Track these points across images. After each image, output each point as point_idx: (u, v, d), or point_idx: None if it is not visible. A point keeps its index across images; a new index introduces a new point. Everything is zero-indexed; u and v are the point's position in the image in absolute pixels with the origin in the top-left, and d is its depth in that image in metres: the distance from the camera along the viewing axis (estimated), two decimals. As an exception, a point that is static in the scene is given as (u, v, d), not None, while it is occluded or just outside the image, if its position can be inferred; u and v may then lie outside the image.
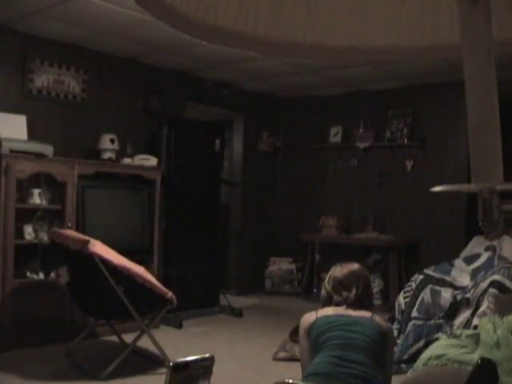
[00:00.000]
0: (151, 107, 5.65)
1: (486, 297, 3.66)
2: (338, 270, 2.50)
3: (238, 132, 7.01)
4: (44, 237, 4.32)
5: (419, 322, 4.05)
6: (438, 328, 3.91)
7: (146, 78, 5.66)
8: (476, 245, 4.89)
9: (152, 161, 5.20)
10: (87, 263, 3.55)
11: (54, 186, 4.47)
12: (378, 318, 2.37)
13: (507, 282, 3.74)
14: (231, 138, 7.20)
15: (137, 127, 5.56)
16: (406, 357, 3.86)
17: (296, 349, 3.80)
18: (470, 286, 4.05)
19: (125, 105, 5.49)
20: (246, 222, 6.95)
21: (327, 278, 2.52)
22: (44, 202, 4.41)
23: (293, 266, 7.05)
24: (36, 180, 4.33)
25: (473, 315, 3.68)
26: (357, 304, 2.39)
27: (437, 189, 0.97)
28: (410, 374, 3.04)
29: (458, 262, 4.47)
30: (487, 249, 4.62)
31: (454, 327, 3.76)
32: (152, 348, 3.91)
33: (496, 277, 3.80)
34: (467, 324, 3.69)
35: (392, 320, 4.31)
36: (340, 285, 2.45)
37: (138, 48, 5.14)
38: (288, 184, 7.29)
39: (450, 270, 4.36)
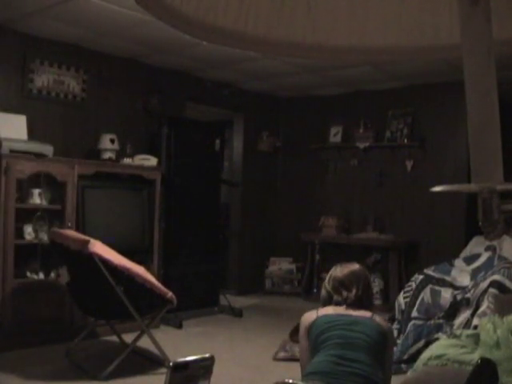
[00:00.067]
0: (151, 107, 5.65)
1: (486, 297, 3.66)
2: (339, 270, 2.50)
3: (238, 132, 7.01)
4: (44, 237, 4.32)
5: (419, 322, 4.05)
6: (438, 328, 3.91)
7: (146, 77, 5.66)
8: (476, 245, 4.89)
9: (152, 161, 5.20)
10: (87, 263, 3.55)
11: (53, 186, 4.47)
12: (378, 318, 2.38)
13: (507, 282, 3.74)
14: (231, 138, 7.19)
15: (137, 127, 5.56)
16: (406, 357, 3.86)
17: (296, 349, 3.79)
18: (469, 286, 4.05)
19: (125, 105, 5.49)
20: (246, 222, 6.95)
21: (327, 278, 2.53)
22: (44, 202, 4.41)
23: (293, 266, 7.05)
24: (36, 180, 4.33)
25: (473, 315, 3.68)
26: (357, 304, 2.40)
27: (437, 189, 0.97)
28: (409, 374, 3.04)
29: (458, 262, 4.47)
30: (487, 249, 4.62)
31: (454, 327, 3.76)
32: (152, 348, 3.91)
33: (496, 277, 3.80)
34: (467, 324, 3.69)
35: (392, 320, 4.31)
36: (340, 285, 2.45)
37: (138, 48, 5.14)
38: (288, 184, 7.29)
39: (450, 270, 4.36)
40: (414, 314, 4.14)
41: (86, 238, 3.61)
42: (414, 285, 4.32)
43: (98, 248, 3.52)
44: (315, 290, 6.51)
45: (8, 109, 4.47)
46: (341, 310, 2.39)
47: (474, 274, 4.20)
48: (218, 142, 5.90)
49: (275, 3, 1.18)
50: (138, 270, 3.73)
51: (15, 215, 4.13)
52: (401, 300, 4.34)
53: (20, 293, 4.13)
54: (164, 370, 3.73)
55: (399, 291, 4.68)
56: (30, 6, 4.09)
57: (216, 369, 0.98)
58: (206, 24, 1.15)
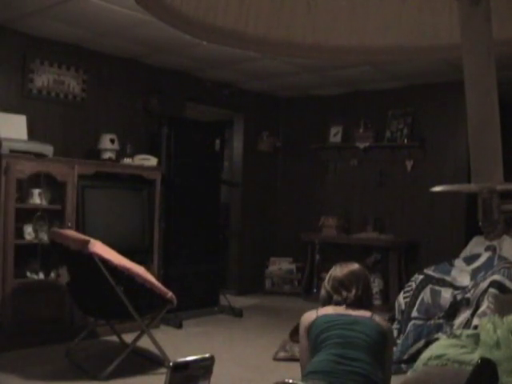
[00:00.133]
0: (151, 107, 5.65)
1: (486, 297, 3.66)
2: (338, 270, 2.50)
3: (238, 132, 7.01)
4: (44, 237, 4.32)
5: (419, 322, 4.05)
6: (438, 328, 3.91)
7: (146, 77, 5.66)
8: (476, 245, 4.89)
9: (152, 161, 5.20)
10: (87, 263, 3.55)
11: (54, 186, 4.47)
12: (377, 318, 2.38)
13: (507, 282, 3.74)
14: (231, 138, 7.19)
15: (137, 127, 5.56)
16: (405, 357, 3.86)
17: (296, 349, 3.79)
18: (470, 286, 4.05)
19: (125, 105, 5.48)
20: (246, 222, 6.95)
21: (327, 278, 2.53)
22: (44, 202, 4.41)
23: (293, 266, 7.05)
24: (36, 180, 4.33)
25: (473, 315, 3.68)
26: (356, 304, 2.40)
27: (437, 189, 0.97)
28: (409, 374, 3.04)
29: (458, 262, 4.47)
30: (487, 249, 4.62)
31: (454, 327, 3.76)
32: (152, 348, 3.91)
33: (496, 277, 3.80)
34: (467, 324, 3.69)
35: (392, 320, 4.30)
36: (340, 285, 2.45)
37: (138, 48, 5.14)
38: (288, 184, 7.29)
39: (450, 270, 4.35)
40: (414, 313, 4.14)
41: (86, 238, 3.61)
42: (414, 285, 4.32)
43: (98, 248, 3.52)
44: (315, 290, 6.51)
45: (8, 109, 4.47)
46: (340, 309, 2.39)
47: (473, 274, 4.20)
48: (217, 141, 5.90)
49: (275, 3, 1.18)
50: (138, 270, 3.73)
51: (15, 215, 4.13)
52: (401, 300, 4.34)
53: (20, 293, 4.13)
54: (164, 370, 3.73)
55: (399, 291, 4.68)
56: (29, 6, 4.09)
57: (216, 369, 0.98)
58: (206, 24, 1.15)
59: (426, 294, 4.19)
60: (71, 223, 4.43)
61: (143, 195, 5.06)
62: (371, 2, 1.21)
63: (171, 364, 0.91)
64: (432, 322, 4.00)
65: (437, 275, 4.31)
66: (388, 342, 2.37)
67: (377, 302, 5.89)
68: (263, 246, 7.12)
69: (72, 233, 3.98)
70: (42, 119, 4.80)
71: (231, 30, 1.18)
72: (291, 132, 7.28)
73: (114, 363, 3.59)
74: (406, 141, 6.26)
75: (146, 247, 4.99)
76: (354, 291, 2.42)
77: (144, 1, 1.07)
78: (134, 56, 5.41)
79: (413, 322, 4.09)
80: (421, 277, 4.34)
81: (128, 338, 4.12)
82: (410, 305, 4.21)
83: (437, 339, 3.42)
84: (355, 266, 2.53)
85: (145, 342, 3.94)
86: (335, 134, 6.84)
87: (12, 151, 4.12)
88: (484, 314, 3.51)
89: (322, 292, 2.53)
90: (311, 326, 2.37)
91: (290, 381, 2.17)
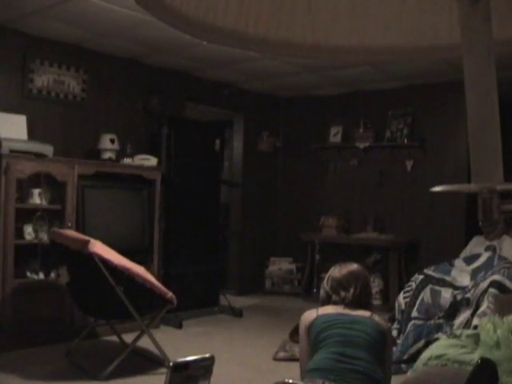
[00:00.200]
0: (151, 107, 5.65)
1: (486, 297, 3.66)
2: (337, 271, 2.51)
3: (238, 132, 7.01)
4: (44, 237, 4.32)
5: (419, 322, 4.05)
6: (438, 328, 3.91)
7: (146, 77, 5.66)
8: (476, 245, 4.89)
9: (152, 161, 5.20)
10: (87, 263, 3.55)
11: (54, 186, 4.47)
12: (377, 318, 2.39)
13: (507, 282, 3.74)
14: (231, 138, 7.19)
15: (137, 127, 5.56)
16: (405, 357, 3.86)
17: (296, 349, 3.80)
18: (470, 286, 4.05)
19: (125, 105, 5.48)
20: (246, 222, 6.95)
21: (326, 278, 2.53)
22: (44, 202, 4.41)
23: (293, 266, 7.05)
24: (36, 180, 4.33)
25: (473, 315, 3.68)
26: (355, 304, 2.41)
27: (437, 189, 0.97)
28: (409, 374, 3.04)
29: (458, 262, 4.47)
30: (487, 249, 4.62)
31: (454, 327, 3.76)
32: (152, 348, 3.91)
33: (496, 277, 3.80)
34: (467, 324, 3.69)
35: (392, 320, 4.31)
36: (338, 285, 2.46)
37: (138, 48, 5.14)
38: (288, 184, 7.29)
39: (450, 270, 4.36)
40: (414, 313, 4.14)
41: (86, 237, 3.61)
42: (414, 285, 4.32)
43: (98, 248, 3.52)
44: (315, 290, 6.51)
45: (8, 109, 4.47)
46: (340, 309, 2.40)
47: (474, 274, 4.20)
48: (217, 141, 5.90)
49: (275, 3, 1.18)
50: (138, 269, 3.73)
51: (15, 215, 4.13)
52: (401, 300, 4.34)
53: (20, 293, 4.13)
54: (164, 370, 3.73)
55: (399, 291, 4.68)
56: (29, 6, 4.09)
57: (216, 369, 0.98)
58: (206, 24, 1.15)
59: (426, 294, 4.19)
60: (71, 223, 4.43)
61: (143, 195, 5.06)
62: (371, 2, 1.21)
63: (171, 364, 0.91)
64: (432, 322, 4.00)
65: (437, 275, 4.31)
66: (387, 342, 2.37)
67: (377, 302, 5.89)
68: (263, 246, 7.12)
69: (72, 233, 3.98)
70: (41, 119, 4.80)
71: (231, 30, 1.18)
72: (291, 132, 7.28)
73: (114, 363, 3.59)
74: (405, 141, 6.27)
75: (146, 247, 4.99)
76: (352, 291, 2.42)
77: (144, 1, 1.07)
78: (134, 56, 5.41)
79: (413, 321, 4.09)
80: (421, 277, 4.34)
81: (128, 337, 4.12)
82: (410, 305, 4.21)
83: (437, 339, 3.42)
84: (354, 266, 2.53)
85: (145, 342, 3.94)
86: (335, 134, 6.84)
87: (12, 151, 4.12)
88: (484, 314, 3.51)
89: (321, 292, 2.54)
90: (311, 326, 2.37)
91: (290, 381, 2.17)
